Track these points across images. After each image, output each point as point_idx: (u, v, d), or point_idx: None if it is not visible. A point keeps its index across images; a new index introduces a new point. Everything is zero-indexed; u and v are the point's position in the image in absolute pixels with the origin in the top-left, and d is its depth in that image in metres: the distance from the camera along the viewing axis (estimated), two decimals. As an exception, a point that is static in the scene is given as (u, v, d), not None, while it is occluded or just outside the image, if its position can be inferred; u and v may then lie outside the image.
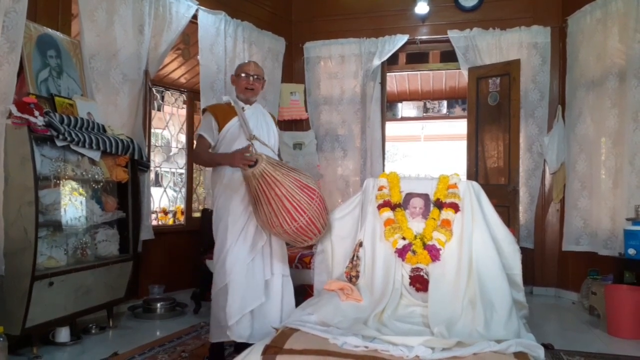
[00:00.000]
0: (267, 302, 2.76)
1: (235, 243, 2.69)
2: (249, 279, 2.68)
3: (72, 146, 3.04)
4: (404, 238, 2.68)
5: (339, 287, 2.57)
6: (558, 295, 4.79)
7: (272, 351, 1.87)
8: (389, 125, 6.13)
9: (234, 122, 2.80)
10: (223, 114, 2.83)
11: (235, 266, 2.66)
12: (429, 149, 9.95)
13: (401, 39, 5.21)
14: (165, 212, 5.53)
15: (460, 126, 7.21)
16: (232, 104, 2.86)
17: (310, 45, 5.52)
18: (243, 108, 2.86)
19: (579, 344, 3.24)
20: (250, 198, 2.55)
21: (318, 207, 2.49)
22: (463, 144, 5.16)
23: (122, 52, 3.84)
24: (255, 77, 2.89)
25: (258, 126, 2.86)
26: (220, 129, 2.80)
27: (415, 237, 2.69)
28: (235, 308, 2.63)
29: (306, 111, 5.49)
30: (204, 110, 2.94)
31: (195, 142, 2.98)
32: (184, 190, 5.51)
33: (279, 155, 3.00)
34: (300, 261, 3.74)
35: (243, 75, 2.89)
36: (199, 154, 2.89)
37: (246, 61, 3.19)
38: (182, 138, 5.56)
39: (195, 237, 4.53)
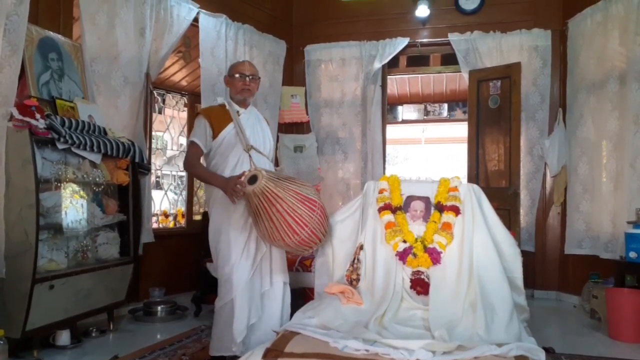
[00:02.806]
0: (267, 310, 2.75)
1: (239, 259, 2.65)
2: (250, 294, 2.67)
3: (73, 149, 3.04)
4: (404, 241, 2.68)
5: (340, 290, 2.56)
6: (559, 299, 4.78)
7: (272, 354, 1.86)
8: (390, 128, 6.13)
9: (229, 130, 2.70)
10: (218, 119, 2.72)
11: (240, 283, 2.63)
12: (430, 151, 9.96)
13: (402, 42, 5.22)
14: (166, 215, 5.53)
15: (461, 129, 7.21)
16: (227, 106, 2.77)
17: (311, 48, 5.53)
18: (238, 112, 2.77)
19: (580, 347, 3.23)
20: (250, 213, 2.50)
21: (319, 218, 2.45)
22: (464, 147, 5.16)
23: (123, 55, 3.85)
24: (251, 77, 2.81)
25: (254, 134, 2.78)
26: (215, 136, 2.70)
27: (416, 240, 2.68)
28: (243, 325, 2.62)
29: (307, 114, 5.49)
30: (197, 114, 2.83)
31: (187, 147, 2.85)
32: (184, 193, 5.51)
33: (275, 160, 2.95)
34: (300, 264, 3.73)
35: (238, 75, 2.79)
36: (191, 163, 2.78)
37: (240, 60, 3.03)
38: (183, 141, 5.57)
39: (196, 240, 4.52)
